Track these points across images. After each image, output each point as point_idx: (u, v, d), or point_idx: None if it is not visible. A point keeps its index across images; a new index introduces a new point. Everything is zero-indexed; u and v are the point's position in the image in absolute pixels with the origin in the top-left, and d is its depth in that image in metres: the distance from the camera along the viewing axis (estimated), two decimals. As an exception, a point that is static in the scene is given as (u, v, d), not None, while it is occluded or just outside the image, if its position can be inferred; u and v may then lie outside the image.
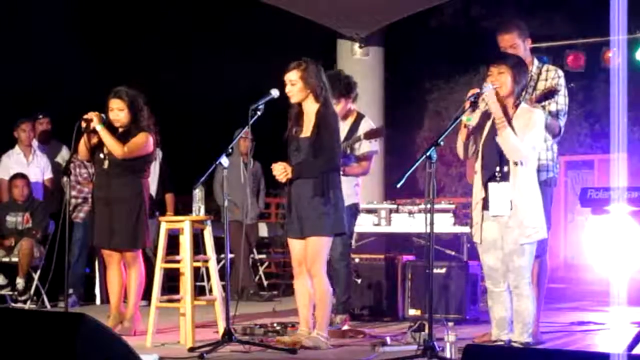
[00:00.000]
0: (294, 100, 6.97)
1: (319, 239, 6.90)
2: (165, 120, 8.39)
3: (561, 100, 7.06)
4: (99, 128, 7.73)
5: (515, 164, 6.28)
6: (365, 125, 8.08)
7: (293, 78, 6.94)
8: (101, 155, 7.89)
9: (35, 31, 14.09)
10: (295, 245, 7.03)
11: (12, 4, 13.70)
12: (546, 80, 7.13)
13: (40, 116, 11.04)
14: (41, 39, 13.99)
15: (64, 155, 10.94)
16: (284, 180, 6.96)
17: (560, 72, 7.21)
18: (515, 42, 7.10)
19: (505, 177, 6.31)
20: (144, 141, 7.84)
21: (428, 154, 6.05)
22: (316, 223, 6.87)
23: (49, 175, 10.90)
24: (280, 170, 6.94)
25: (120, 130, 7.87)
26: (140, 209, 7.86)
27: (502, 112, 6.26)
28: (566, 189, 12.07)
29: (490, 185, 6.35)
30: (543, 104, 6.93)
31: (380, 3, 11.97)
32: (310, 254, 6.92)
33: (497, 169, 6.33)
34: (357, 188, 8.09)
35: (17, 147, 10.85)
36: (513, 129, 6.27)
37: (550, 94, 6.96)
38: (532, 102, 6.85)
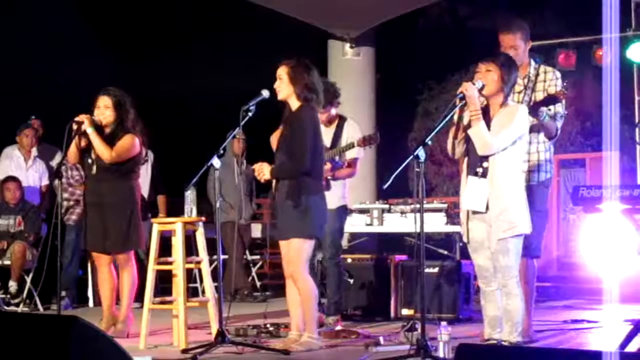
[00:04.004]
0: (280, 96, 6.92)
1: (292, 242, 6.85)
2: (157, 122, 8.38)
3: (559, 103, 7.02)
4: (90, 131, 7.71)
5: (490, 159, 6.24)
6: (350, 128, 8.05)
7: (280, 73, 6.91)
8: (89, 161, 7.87)
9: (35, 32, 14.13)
10: (282, 247, 7.01)
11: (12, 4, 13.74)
12: (544, 81, 7.06)
13: (33, 117, 11.04)
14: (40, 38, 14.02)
15: (57, 159, 10.91)
16: (262, 181, 6.96)
17: (558, 74, 7.13)
18: (516, 43, 7.03)
19: (485, 173, 6.27)
20: (131, 143, 7.82)
21: (416, 153, 6.04)
22: (288, 226, 6.85)
23: (46, 181, 10.90)
24: (259, 170, 6.94)
25: (107, 130, 7.83)
26: (133, 211, 7.84)
27: (478, 106, 6.23)
28: (559, 188, 12.06)
29: (470, 179, 6.31)
30: (549, 107, 6.87)
31: (370, 3, 11.97)
32: (288, 257, 6.90)
33: (479, 164, 6.31)
34: (346, 190, 8.09)
35: (17, 151, 10.85)
36: (489, 125, 6.24)
37: (553, 99, 6.90)
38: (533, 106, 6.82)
